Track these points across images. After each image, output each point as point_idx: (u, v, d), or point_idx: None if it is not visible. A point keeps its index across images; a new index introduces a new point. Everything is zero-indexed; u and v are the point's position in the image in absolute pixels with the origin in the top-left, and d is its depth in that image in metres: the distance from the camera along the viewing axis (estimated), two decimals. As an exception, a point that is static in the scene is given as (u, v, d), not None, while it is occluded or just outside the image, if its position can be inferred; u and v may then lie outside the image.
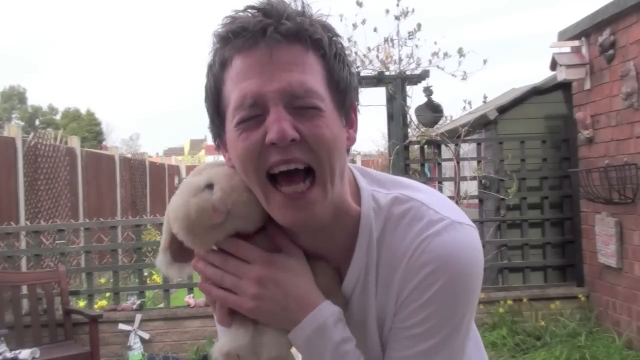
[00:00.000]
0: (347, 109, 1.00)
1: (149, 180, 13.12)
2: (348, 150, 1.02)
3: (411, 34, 5.47)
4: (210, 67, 0.99)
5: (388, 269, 1.00)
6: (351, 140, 1.02)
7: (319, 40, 0.95)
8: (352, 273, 1.03)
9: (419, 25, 5.48)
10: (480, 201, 5.89)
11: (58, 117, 38.07)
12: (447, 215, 1.00)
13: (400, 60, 5.53)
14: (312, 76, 0.94)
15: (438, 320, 0.98)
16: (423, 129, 5.76)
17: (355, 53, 5.51)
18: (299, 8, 0.96)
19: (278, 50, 0.92)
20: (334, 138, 0.95)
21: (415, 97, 5.60)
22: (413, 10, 5.49)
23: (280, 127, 0.90)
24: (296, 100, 0.92)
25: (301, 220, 0.95)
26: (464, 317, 1.00)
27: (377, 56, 5.56)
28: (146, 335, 5.39)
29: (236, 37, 0.93)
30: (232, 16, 0.96)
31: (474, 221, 5.32)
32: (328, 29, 0.97)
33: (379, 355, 1.04)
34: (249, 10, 0.94)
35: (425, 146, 5.87)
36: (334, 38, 0.98)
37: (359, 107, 1.05)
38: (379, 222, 1.02)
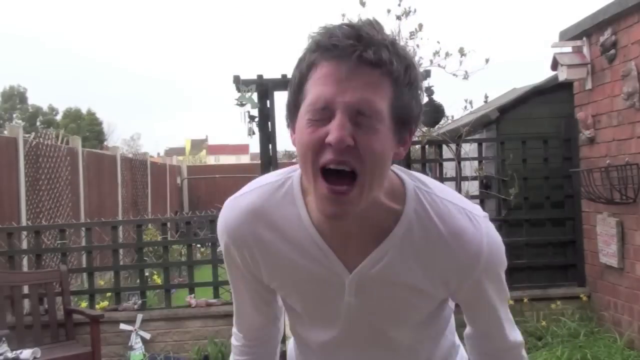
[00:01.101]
0: (403, 131, 1.17)
1: (150, 180, 13.13)
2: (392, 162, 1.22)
3: (412, 34, 5.47)
4: (299, 63, 1.17)
5: (426, 253, 1.24)
6: (399, 156, 1.20)
7: (394, 71, 1.11)
8: (384, 246, 1.23)
9: (420, 25, 5.47)
10: (482, 201, 5.88)
11: (59, 117, 38.07)
12: (480, 215, 1.31)
13: (401, 60, 5.53)
14: (379, 98, 1.11)
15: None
16: (424, 129, 5.76)
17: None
18: (388, 38, 1.13)
19: (357, 71, 1.09)
20: (382, 153, 1.13)
21: (416, 97, 5.58)
22: (415, 10, 5.48)
23: (340, 133, 1.08)
24: (360, 115, 1.10)
25: (334, 213, 1.15)
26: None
27: (379, 56, 5.56)
28: (147, 335, 5.39)
29: (327, 50, 1.11)
30: (330, 30, 1.13)
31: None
32: (407, 61, 1.14)
33: (411, 319, 1.35)
34: (345, 28, 1.11)
35: (427, 146, 5.87)
36: (411, 71, 1.14)
37: (416, 130, 1.25)
38: (419, 214, 1.24)
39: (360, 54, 1.09)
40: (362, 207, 1.15)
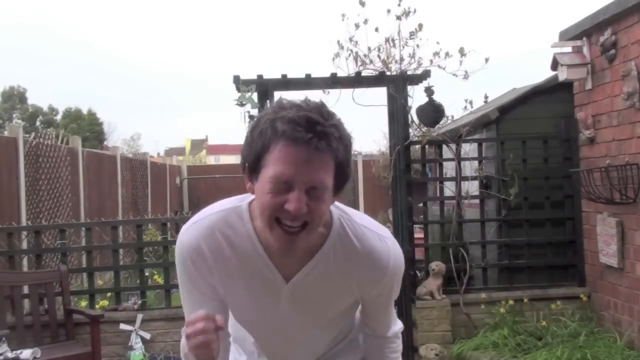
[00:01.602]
0: (339, 187, 1.52)
1: (150, 180, 13.13)
2: None
3: (412, 34, 5.47)
4: (261, 132, 1.45)
5: (346, 265, 1.60)
6: (334, 201, 1.56)
7: (338, 154, 1.45)
8: (315, 260, 1.59)
9: (420, 25, 5.47)
10: (482, 201, 5.89)
11: (59, 117, 38.06)
12: (387, 236, 1.66)
13: (402, 60, 5.53)
14: (327, 175, 1.45)
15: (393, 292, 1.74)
16: (424, 129, 5.75)
17: (357, 53, 5.51)
18: (334, 124, 1.45)
19: (313, 157, 1.41)
20: (325, 210, 1.51)
21: (416, 97, 5.59)
22: (415, 11, 5.48)
23: (299, 205, 1.42)
24: (313, 189, 1.44)
25: (288, 249, 1.50)
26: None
27: (379, 56, 5.56)
28: (147, 335, 5.39)
29: (289, 137, 1.41)
30: (292, 118, 1.42)
31: (475, 221, 5.31)
32: (346, 141, 1.48)
33: (330, 316, 1.72)
34: (305, 119, 1.41)
35: (427, 146, 5.87)
36: (349, 147, 1.49)
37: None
38: (341, 236, 1.60)
39: (316, 145, 1.40)
40: (310, 237, 1.51)
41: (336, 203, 1.61)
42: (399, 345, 1.87)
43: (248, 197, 1.60)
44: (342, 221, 1.61)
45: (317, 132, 1.41)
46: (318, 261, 1.59)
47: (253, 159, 1.47)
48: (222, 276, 1.61)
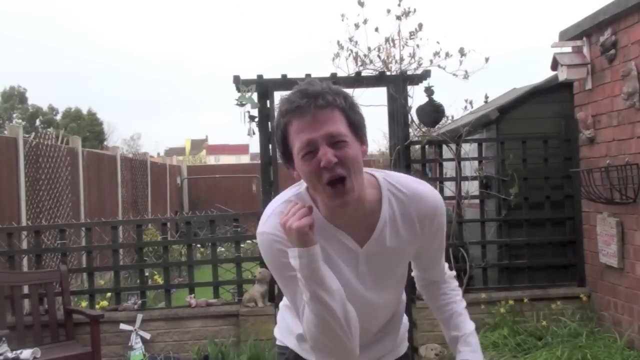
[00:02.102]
0: (360, 136, 1.72)
1: (150, 180, 13.13)
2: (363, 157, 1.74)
3: (412, 34, 5.47)
4: (277, 126, 1.69)
5: (407, 217, 1.79)
6: (364, 152, 1.74)
7: (339, 104, 1.67)
8: (381, 220, 1.77)
9: (420, 25, 5.47)
10: (482, 201, 5.89)
11: (59, 117, 38.05)
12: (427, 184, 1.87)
13: (402, 60, 5.53)
14: (339, 124, 1.66)
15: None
16: (424, 129, 5.75)
17: (357, 53, 5.51)
18: (325, 85, 1.67)
19: (318, 114, 1.64)
20: (355, 155, 1.68)
21: (416, 97, 5.58)
22: (415, 10, 5.48)
23: (327, 157, 1.62)
24: (333, 139, 1.64)
25: (342, 203, 1.68)
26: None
27: (379, 56, 5.56)
28: (147, 335, 5.39)
29: (294, 111, 1.65)
30: (289, 98, 1.67)
31: (475, 221, 5.29)
32: (343, 93, 1.70)
33: (404, 268, 1.91)
34: (298, 93, 1.65)
35: (427, 146, 5.87)
36: (347, 98, 1.70)
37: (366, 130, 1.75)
38: (391, 191, 1.80)
39: (315, 104, 1.63)
40: (355, 195, 1.67)
41: (377, 169, 1.87)
42: (456, 283, 2.10)
43: (303, 184, 1.80)
44: (387, 179, 1.81)
45: (310, 95, 1.64)
46: (384, 220, 1.77)
47: (283, 149, 1.71)
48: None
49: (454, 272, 2.11)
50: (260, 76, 5.46)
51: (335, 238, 1.76)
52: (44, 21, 77.22)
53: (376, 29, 5.51)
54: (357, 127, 1.70)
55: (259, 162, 5.73)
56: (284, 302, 2.02)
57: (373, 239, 1.77)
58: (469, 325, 2.10)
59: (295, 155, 1.67)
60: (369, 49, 5.53)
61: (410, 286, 5.84)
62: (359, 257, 1.78)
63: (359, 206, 1.73)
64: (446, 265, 2.06)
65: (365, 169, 1.78)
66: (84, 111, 37.63)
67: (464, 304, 2.11)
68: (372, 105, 5.56)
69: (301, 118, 1.64)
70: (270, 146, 5.45)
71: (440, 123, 5.78)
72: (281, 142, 1.71)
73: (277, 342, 2.08)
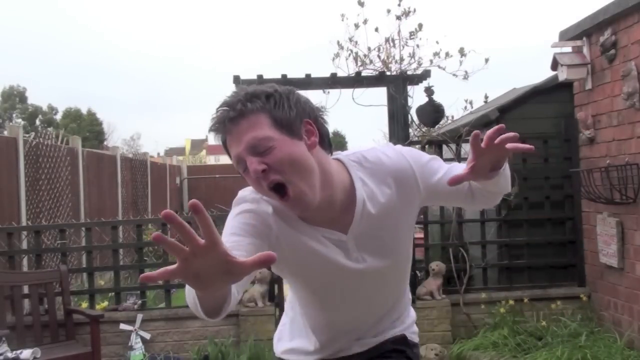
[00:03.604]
0: (296, 130, 1.57)
1: (150, 180, 13.12)
2: (328, 147, 1.67)
3: (412, 34, 5.47)
4: (220, 138, 1.61)
5: (382, 185, 1.69)
6: (312, 144, 1.59)
7: (255, 108, 1.54)
8: (359, 202, 1.67)
9: (420, 25, 5.47)
10: (482, 201, 5.88)
11: (58, 116, 38.05)
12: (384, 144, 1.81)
13: (402, 60, 5.53)
14: (259, 129, 1.53)
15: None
16: (424, 129, 5.75)
17: (357, 53, 5.51)
18: (241, 92, 1.58)
19: (234, 128, 1.55)
20: (287, 155, 1.54)
21: (416, 97, 5.59)
22: (415, 10, 5.48)
23: (253, 168, 1.52)
24: (255, 148, 1.53)
25: (299, 210, 1.60)
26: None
27: (379, 56, 5.56)
28: (147, 335, 5.39)
29: (216, 130, 1.59)
30: (213, 116, 1.60)
31: (475, 221, 5.28)
32: (264, 94, 1.57)
33: (404, 242, 1.79)
34: (220, 109, 1.58)
35: (427, 146, 5.87)
36: (271, 96, 1.57)
37: (315, 118, 1.63)
38: (358, 168, 1.70)
39: (229, 117, 1.54)
40: (316, 192, 1.57)
41: (342, 152, 1.77)
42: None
43: None
44: (350, 158, 1.72)
45: (226, 108, 1.56)
46: (362, 200, 1.67)
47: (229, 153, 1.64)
48: (289, 244, 1.65)
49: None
50: (260, 76, 5.46)
51: (318, 237, 1.67)
52: (44, 20, 77.23)
53: (376, 29, 5.52)
54: (286, 123, 1.55)
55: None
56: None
57: (355, 222, 1.67)
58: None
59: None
60: (369, 49, 5.54)
61: (411, 286, 5.85)
62: (348, 244, 1.69)
63: (331, 201, 1.63)
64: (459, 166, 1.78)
65: (334, 155, 1.70)
66: (84, 111, 37.64)
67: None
68: (372, 105, 5.57)
69: (227, 135, 1.57)
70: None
71: (440, 123, 5.78)
72: (227, 151, 1.64)
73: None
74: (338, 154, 1.73)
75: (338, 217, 1.67)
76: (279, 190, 1.54)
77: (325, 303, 1.82)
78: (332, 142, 1.70)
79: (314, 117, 1.63)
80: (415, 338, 1.97)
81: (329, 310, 1.83)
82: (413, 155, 1.74)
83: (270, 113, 1.55)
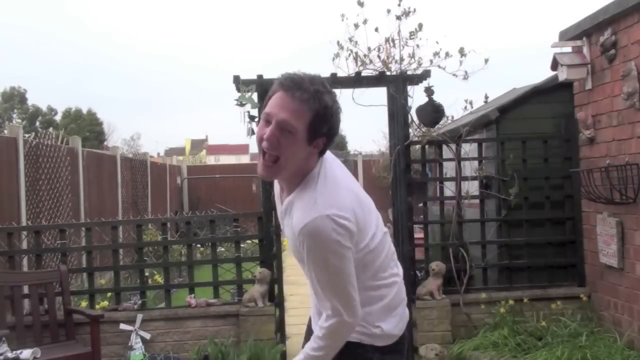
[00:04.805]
0: (314, 139, 1.94)
1: (150, 180, 13.12)
2: (320, 154, 2.03)
3: (412, 34, 5.46)
4: (273, 86, 1.96)
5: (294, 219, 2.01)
6: (312, 152, 1.98)
7: (311, 106, 1.91)
8: (292, 196, 2.05)
9: (420, 25, 5.47)
10: (482, 201, 5.89)
11: (58, 117, 38.04)
12: (321, 209, 1.93)
13: (402, 60, 5.53)
14: (297, 121, 1.91)
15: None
16: (424, 129, 5.75)
17: (357, 53, 5.51)
18: (315, 88, 1.93)
19: (291, 102, 1.91)
20: (293, 152, 1.94)
21: (416, 97, 5.59)
22: (415, 10, 5.48)
23: (269, 137, 1.92)
24: (285, 128, 1.91)
25: (261, 174, 2.00)
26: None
27: (379, 56, 5.55)
28: (147, 335, 5.39)
29: (282, 86, 1.94)
30: (291, 76, 1.94)
31: (475, 221, 5.26)
32: (324, 103, 1.93)
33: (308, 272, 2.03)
34: (297, 78, 1.94)
35: (427, 146, 5.87)
36: (327, 107, 1.94)
37: (331, 138, 2.00)
38: (303, 189, 2.01)
39: (294, 94, 1.90)
40: (283, 174, 1.99)
41: (327, 169, 2.04)
42: (320, 335, 2.05)
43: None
44: (317, 178, 2.00)
45: (298, 85, 1.90)
46: (290, 198, 2.04)
47: (265, 100, 1.99)
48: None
49: (325, 323, 2.04)
50: (260, 76, 5.46)
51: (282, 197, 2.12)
52: (44, 20, 77.25)
53: (376, 29, 5.51)
54: (314, 133, 1.92)
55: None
56: None
57: (285, 200, 2.06)
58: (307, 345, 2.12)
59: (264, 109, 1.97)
60: (369, 49, 5.53)
61: (411, 286, 5.85)
62: (283, 207, 2.08)
63: (287, 183, 2.06)
64: (324, 316, 2.04)
65: (321, 181, 1.99)
66: (84, 111, 37.63)
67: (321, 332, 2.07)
68: (372, 105, 5.57)
69: (281, 95, 1.91)
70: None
71: (440, 123, 5.78)
72: (265, 100, 1.99)
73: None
74: (322, 164, 2.03)
75: (283, 193, 2.11)
76: (265, 156, 1.94)
77: None
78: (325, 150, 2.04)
79: (330, 137, 1.99)
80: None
81: None
82: (306, 233, 1.94)
83: (314, 116, 1.91)
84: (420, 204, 6.11)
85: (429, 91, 5.52)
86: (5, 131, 8.31)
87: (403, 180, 5.58)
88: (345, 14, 5.41)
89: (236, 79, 5.44)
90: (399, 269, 2.22)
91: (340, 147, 32.48)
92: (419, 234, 6.09)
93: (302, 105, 1.89)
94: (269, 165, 1.94)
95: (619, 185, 4.79)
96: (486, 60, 5.47)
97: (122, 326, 5.36)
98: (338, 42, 5.47)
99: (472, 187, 5.84)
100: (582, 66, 5.31)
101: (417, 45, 5.48)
